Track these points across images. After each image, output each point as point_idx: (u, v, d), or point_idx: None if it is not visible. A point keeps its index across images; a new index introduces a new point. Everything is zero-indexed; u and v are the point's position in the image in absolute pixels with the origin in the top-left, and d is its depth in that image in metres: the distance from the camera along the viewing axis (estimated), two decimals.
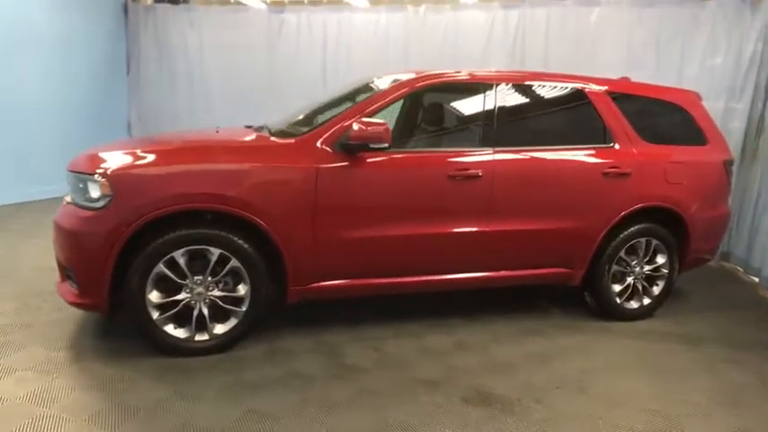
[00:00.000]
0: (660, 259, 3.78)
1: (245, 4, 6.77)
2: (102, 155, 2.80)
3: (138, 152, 2.80)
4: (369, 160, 2.97)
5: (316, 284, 3.03)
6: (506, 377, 2.86)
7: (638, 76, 4.93)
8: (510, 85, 3.43)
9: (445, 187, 3.14)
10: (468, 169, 3.17)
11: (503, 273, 3.43)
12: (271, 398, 2.52)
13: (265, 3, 6.80)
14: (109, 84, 7.15)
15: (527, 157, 3.36)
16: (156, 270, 2.70)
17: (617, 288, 3.71)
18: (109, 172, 2.63)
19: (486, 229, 3.26)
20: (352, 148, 2.91)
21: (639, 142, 3.64)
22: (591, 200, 3.48)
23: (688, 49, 5.45)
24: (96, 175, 2.64)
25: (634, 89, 3.84)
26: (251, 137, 3.16)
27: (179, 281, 2.75)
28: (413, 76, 3.30)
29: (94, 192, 2.65)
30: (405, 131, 3.71)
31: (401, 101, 3.55)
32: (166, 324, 2.79)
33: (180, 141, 3.06)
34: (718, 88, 5.34)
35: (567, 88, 3.60)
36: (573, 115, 3.65)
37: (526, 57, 5.89)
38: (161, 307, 2.77)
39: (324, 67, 6.61)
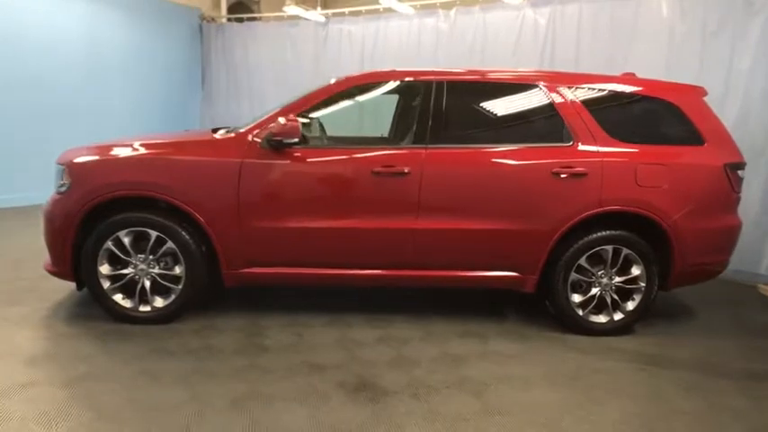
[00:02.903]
0: (635, 271, 3.43)
1: (300, 19, 7.33)
2: (77, 149, 3.37)
3: (101, 147, 3.33)
4: (291, 155, 3.19)
5: (247, 270, 3.31)
6: (403, 372, 2.86)
7: (679, 75, 4.57)
8: (455, 82, 3.41)
9: (369, 183, 3.22)
10: (393, 166, 3.22)
11: (440, 273, 3.40)
12: (170, 364, 2.84)
13: (324, 15, 7.30)
14: (185, 95, 8.22)
15: (462, 155, 3.31)
16: (105, 246, 3.18)
17: (577, 298, 3.45)
18: (68, 162, 3.19)
19: (416, 226, 3.27)
20: (275, 144, 3.14)
21: (608, 141, 3.36)
22: (536, 201, 3.30)
23: (739, 40, 4.77)
24: (63, 165, 3.21)
25: (608, 84, 3.54)
26: (200, 135, 3.54)
27: (124, 257, 3.22)
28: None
29: (62, 179, 3.22)
30: (338, 128, 3.83)
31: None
32: (115, 294, 3.26)
33: (136, 139, 3.49)
34: None
35: (522, 85, 3.47)
36: (528, 113, 3.49)
37: (556, 56, 5.60)
38: (112, 279, 3.25)
39: None
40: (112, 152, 3.27)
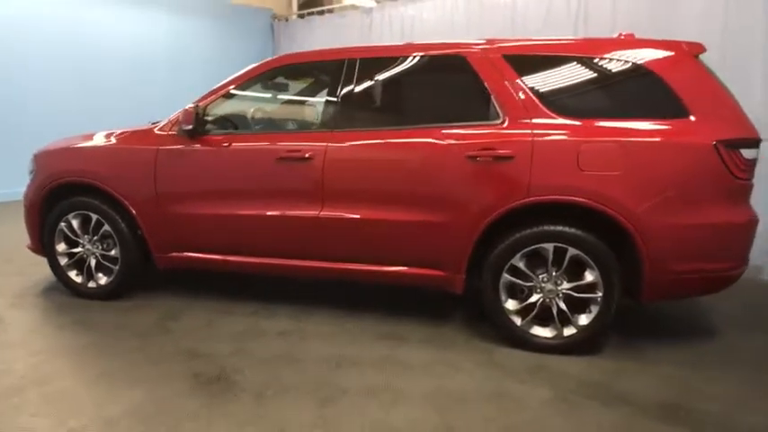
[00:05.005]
0: (589, 276, 2.78)
1: (348, 9, 7.34)
2: (52, 142, 3.79)
3: (65, 139, 3.69)
4: (202, 142, 3.20)
5: (174, 254, 3.41)
6: (272, 370, 2.69)
7: (738, 35, 3.82)
8: (366, 59, 3.09)
9: (274, 169, 3.08)
10: (295, 151, 3.04)
11: (353, 266, 3.11)
12: (79, 337, 3.06)
13: (376, 1, 7.21)
14: None
15: (367, 138, 2.99)
16: (59, 228, 3.53)
17: (511, 305, 2.91)
18: (34, 153, 3.61)
19: (321, 214, 3.05)
20: (181, 132, 3.18)
21: (546, 116, 2.77)
22: (450, 189, 2.85)
23: None
24: (32, 155, 3.65)
25: (554, 49, 2.91)
26: (139, 126, 3.69)
27: (74, 238, 3.54)
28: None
29: (32, 167, 3.65)
30: (255, 114, 3.64)
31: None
32: (70, 270, 3.60)
33: (99, 132, 3.76)
34: None
35: (443, 58, 3.02)
36: (449, 89, 3.04)
37: (590, 22, 4.77)
38: (68, 256, 3.59)
39: None
40: (67, 143, 3.61)
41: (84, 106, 7.01)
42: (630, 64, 2.76)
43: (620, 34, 3.03)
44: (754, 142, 2.67)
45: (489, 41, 2.99)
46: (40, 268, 4.22)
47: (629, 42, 2.85)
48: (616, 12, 4.60)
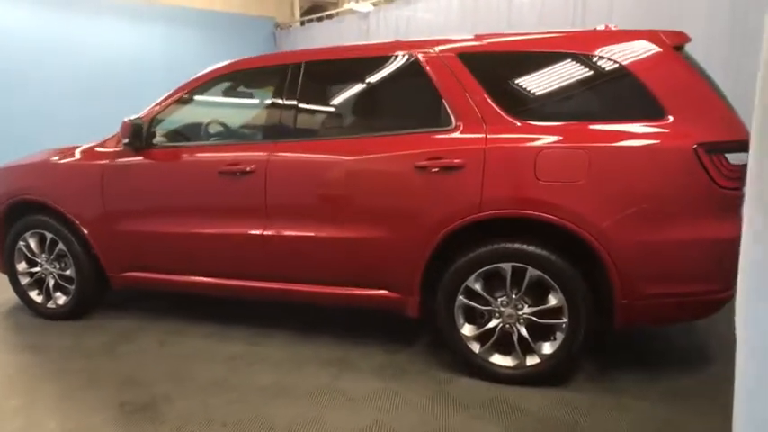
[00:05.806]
0: (552, 300, 2.47)
1: (347, 14, 7.17)
2: (14, 159, 3.74)
3: (27, 156, 3.63)
4: (145, 156, 3.06)
5: (128, 274, 3.27)
6: (201, 399, 2.50)
7: (747, 23, 3.42)
8: (310, 64, 2.86)
9: (216, 184, 2.90)
10: (237, 164, 2.84)
11: (303, 287, 2.89)
12: (24, 358, 2.99)
13: (373, 5, 7.01)
14: None
15: (311, 148, 2.77)
16: (18, 247, 3.47)
17: (468, 330, 2.62)
18: None
19: (266, 232, 2.84)
20: (126, 146, 3.04)
21: (501, 121, 2.48)
22: (397, 204, 2.59)
23: None
24: None
25: (515, 45, 2.60)
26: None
27: (32, 257, 3.46)
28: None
29: None
30: (205, 124, 3.44)
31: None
32: (31, 290, 3.53)
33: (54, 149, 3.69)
34: None
35: (393, 59, 2.75)
36: (400, 93, 2.78)
37: (588, 13, 4.40)
38: (28, 275, 3.52)
39: None
40: (25, 160, 3.54)
41: (83, 119, 7.06)
42: (598, 59, 2.44)
43: (607, 26, 2.71)
44: (744, 145, 2.29)
45: (444, 39, 2.71)
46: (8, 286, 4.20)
47: (600, 35, 2.53)
48: (613, 2, 4.22)
